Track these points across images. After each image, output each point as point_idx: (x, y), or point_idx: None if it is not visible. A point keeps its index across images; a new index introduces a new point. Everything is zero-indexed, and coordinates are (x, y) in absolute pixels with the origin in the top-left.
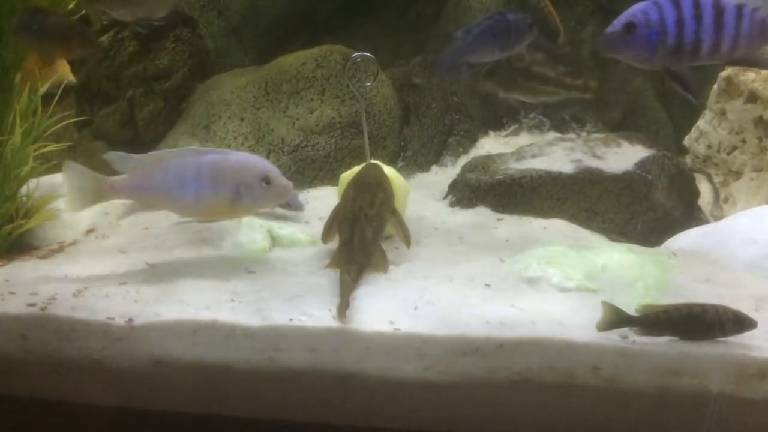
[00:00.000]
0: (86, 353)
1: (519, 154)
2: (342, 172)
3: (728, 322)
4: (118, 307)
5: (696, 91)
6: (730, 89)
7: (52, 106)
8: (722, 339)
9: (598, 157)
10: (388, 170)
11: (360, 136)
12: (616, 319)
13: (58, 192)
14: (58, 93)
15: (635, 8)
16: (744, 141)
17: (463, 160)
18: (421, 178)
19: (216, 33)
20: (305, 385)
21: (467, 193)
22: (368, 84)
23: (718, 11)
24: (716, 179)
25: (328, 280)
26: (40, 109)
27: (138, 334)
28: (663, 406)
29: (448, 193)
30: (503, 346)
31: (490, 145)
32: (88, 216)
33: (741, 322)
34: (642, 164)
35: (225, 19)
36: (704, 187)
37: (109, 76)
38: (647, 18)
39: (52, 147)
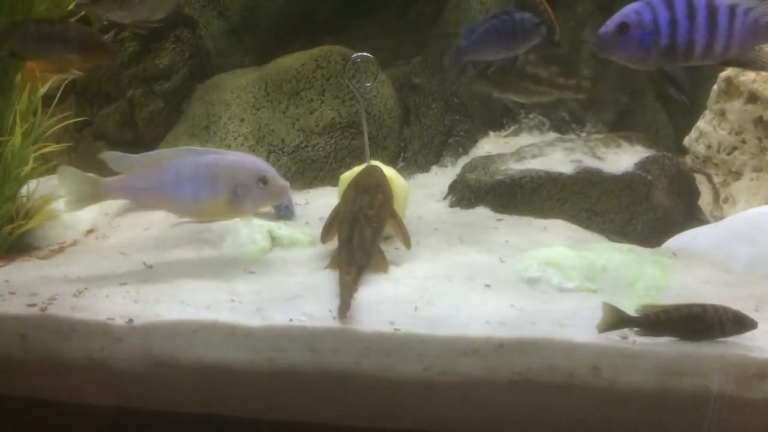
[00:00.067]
0: (86, 353)
1: (519, 155)
2: (342, 173)
3: (728, 322)
4: (118, 308)
5: (688, 91)
6: (730, 90)
7: (52, 106)
8: (722, 339)
9: (598, 158)
10: (388, 171)
11: (360, 136)
12: (616, 319)
13: (58, 193)
14: (58, 94)
15: (628, 9)
16: (744, 141)
17: (463, 161)
18: (421, 178)
19: (216, 33)
20: (305, 385)
21: (467, 193)
22: (368, 84)
23: (711, 11)
24: (716, 179)
25: (328, 281)
26: (40, 109)
27: (138, 334)
28: (663, 407)
29: (448, 193)
30: (503, 347)
31: (490, 145)
32: (88, 216)
33: (741, 323)
34: (642, 164)
35: (225, 19)
36: (704, 188)
37: (109, 76)
38: (640, 18)
39: (52, 147)
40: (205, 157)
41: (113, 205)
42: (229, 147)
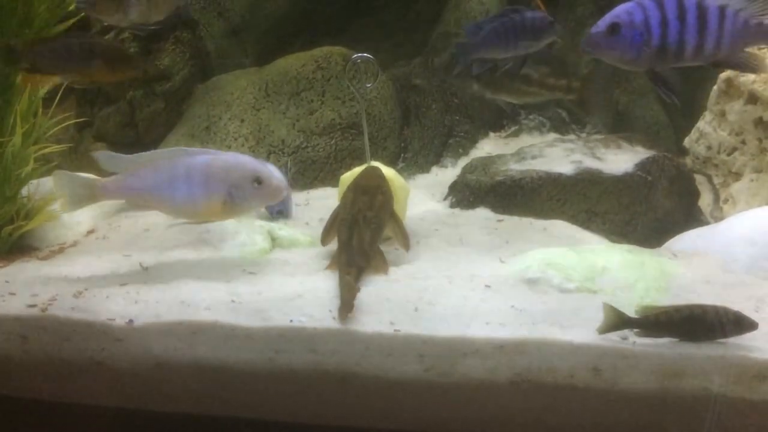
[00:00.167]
0: (86, 354)
1: (519, 156)
2: (342, 173)
3: (728, 323)
4: (118, 308)
5: (679, 92)
6: (730, 90)
7: (53, 107)
8: (722, 340)
9: (598, 158)
10: (388, 171)
11: (360, 137)
12: (616, 321)
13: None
14: (59, 94)
15: (619, 9)
16: (744, 142)
17: (463, 161)
18: (422, 179)
19: (216, 34)
20: (305, 385)
21: (467, 194)
22: (368, 85)
23: (702, 12)
24: (716, 180)
25: (328, 281)
26: (40, 110)
27: (138, 334)
28: (663, 408)
29: (449, 194)
30: (503, 347)
31: (490, 146)
32: (88, 217)
33: (741, 324)
34: (642, 165)
35: (225, 20)
36: (704, 188)
37: None
38: (632, 19)
39: (53, 148)
40: (200, 157)
41: (113, 204)
42: (229, 148)
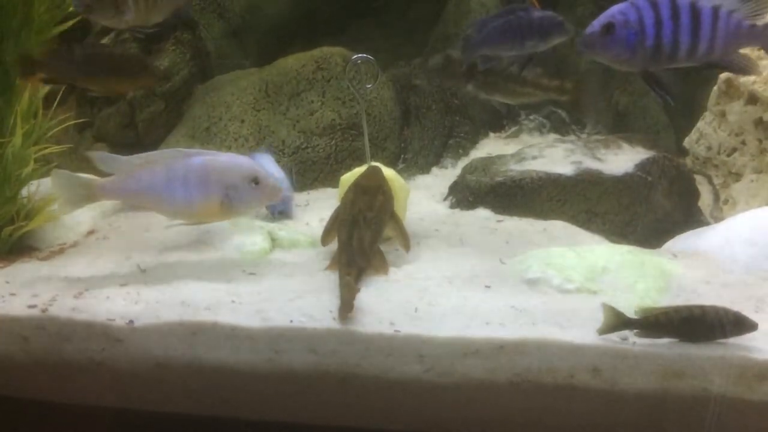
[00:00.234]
0: (87, 354)
1: (519, 156)
2: (342, 174)
3: (728, 323)
4: (118, 309)
5: (673, 93)
6: (730, 91)
7: (53, 107)
8: (722, 341)
9: (599, 159)
10: (389, 172)
11: (360, 137)
12: (616, 322)
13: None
14: (59, 95)
15: (614, 9)
16: (744, 143)
17: (463, 162)
18: (422, 179)
19: (216, 35)
20: (305, 386)
21: (467, 194)
22: (368, 86)
23: (695, 13)
24: (716, 181)
25: (328, 282)
26: (41, 110)
27: (138, 335)
28: (663, 408)
29: (449, 194)
30: (503, 348)
31: (490, 146)
32: (88, 217)
33: (741, 324)
34: (642, 166)
35: (225, 21)
36: (704, 189)
37: None
38: (626, 19)
39: (53, 149)
40: (197, 158)
41: (113, 205)
42: (229, 148)
